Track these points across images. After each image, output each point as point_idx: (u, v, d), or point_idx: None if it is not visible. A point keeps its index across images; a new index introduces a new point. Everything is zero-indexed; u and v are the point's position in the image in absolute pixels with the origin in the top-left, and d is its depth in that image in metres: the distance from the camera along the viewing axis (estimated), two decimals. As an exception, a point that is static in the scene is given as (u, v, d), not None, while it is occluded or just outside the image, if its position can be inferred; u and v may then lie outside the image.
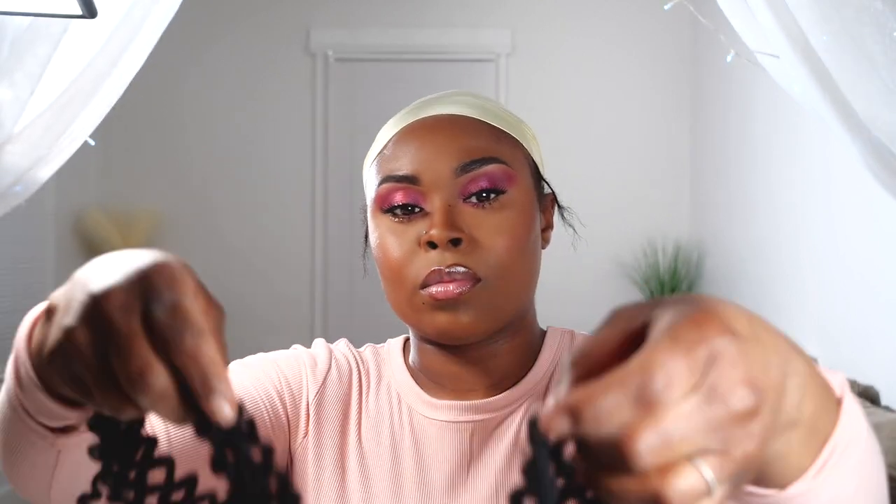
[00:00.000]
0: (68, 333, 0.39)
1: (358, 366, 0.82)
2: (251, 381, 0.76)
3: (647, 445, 0.31)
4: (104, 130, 1.89)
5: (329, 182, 3.99)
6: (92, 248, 3.88)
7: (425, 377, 0.80)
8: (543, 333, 0.83)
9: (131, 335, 0.37)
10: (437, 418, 0.76)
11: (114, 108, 1.62)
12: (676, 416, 0.31)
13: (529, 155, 0.78)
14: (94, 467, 0.43)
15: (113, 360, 0.37)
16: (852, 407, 0.43)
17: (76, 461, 0.54)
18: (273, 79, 4.02)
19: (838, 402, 0.43)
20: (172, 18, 1.57)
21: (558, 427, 0.32)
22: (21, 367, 0.49)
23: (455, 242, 0.70)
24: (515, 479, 0.73)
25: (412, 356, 0.81)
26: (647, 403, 0.31)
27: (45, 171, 1.61)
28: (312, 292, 3.92)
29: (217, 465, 0.36)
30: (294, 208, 4.01)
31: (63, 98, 1.51)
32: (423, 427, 0.77)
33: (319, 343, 0.84)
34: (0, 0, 1.21)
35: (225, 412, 0.36)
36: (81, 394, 0.40)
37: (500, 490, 0.73)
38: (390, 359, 0.83)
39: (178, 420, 0.37)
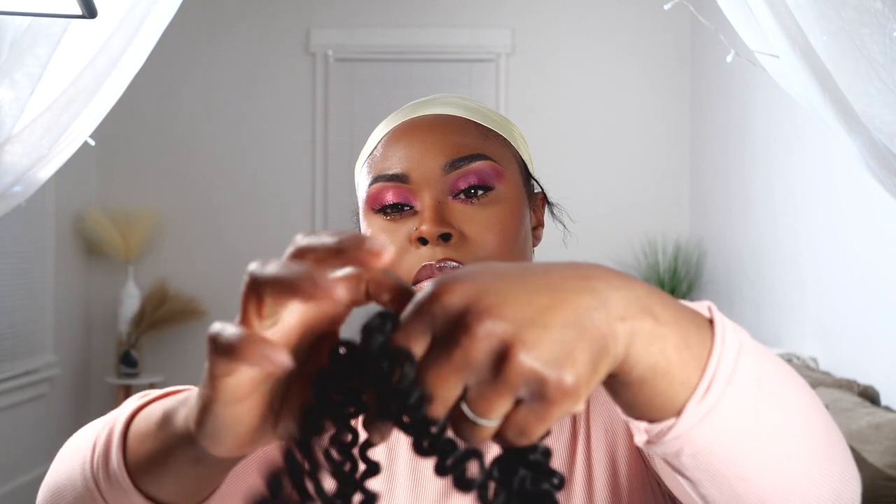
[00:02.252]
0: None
1: None
2: None
3: (418, 402, 0.35)
4: (104, 130, 1.89)
5: (329, 182, 4.00)
6: (92, 248, 3.88)
7: None
8: None
9: None
10: None
11: (114, 108, 1.63)
12: (425, 371, 0.35)
13: (518, 153, 0.79)
14: None
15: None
16: (728, 325, 0.43)
17: None
18: (273, 79, 4.02)
19: (710, 323, 0.43)
20: (173, 18, 1.57)
21: None
22: (113, 470, 0.50)
23: (445, 238, 0.70)
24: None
25: None
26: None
27: (45, 171, 1.61)
28: (312, 292, 3.92)
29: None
30: (294, 208, 4.01)
31: (63, 98, 1.51)
32: None
33: None
34: (0, 0, 1.21)
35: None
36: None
37: None
38: None
39: None
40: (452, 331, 0.35)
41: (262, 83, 4.02)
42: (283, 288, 0.36)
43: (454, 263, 0.70)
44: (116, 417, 0.53)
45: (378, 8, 3.99)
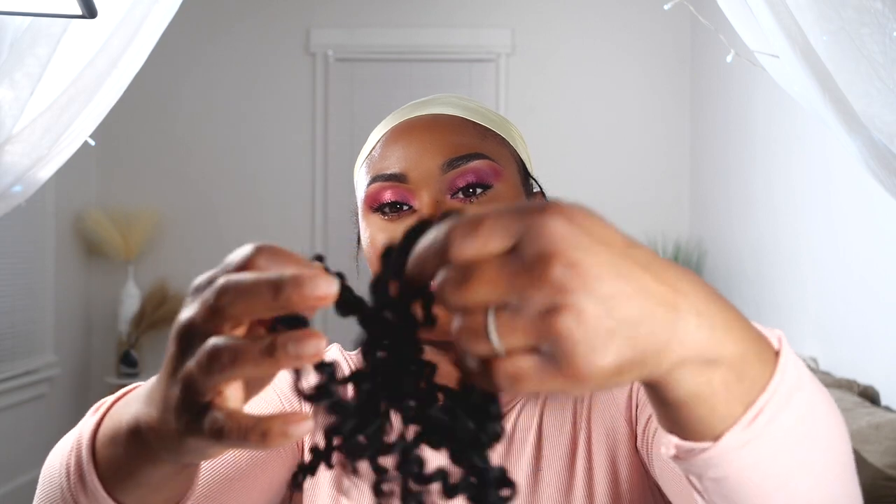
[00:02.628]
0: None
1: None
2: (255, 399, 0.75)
3: (450, 278, 0.34)
4: (104, 130, 1.89)
5: (329, 182, 4.00)
6: (92, 248, 3.88)
7: None
8: None
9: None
10: None
11: (114, 108, 1.63)
12: (485, 265, 0.34)
13: (516, 152, 0.79)
14: None
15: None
16: (791, 360, 0.42)
17: None
18: (273, 79, 4.02)
19: (776, 355, 0.42)
20: (173, 18, 1.57)
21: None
22: (87, 476, 0.50)
23: None
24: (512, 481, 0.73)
25: None
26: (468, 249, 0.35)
27: (45, 171, 1.61)
28: (312, 292, 3.91)
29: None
30: (294, 208, 4.01)
31: (63, 98, 1.51)
32: None
33: None
34: (0, 0, 1.21)
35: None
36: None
37: None
38: None
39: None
40: (533, 252, 0.34)
41: (262, 83, 4.02)
42: (248, 371, 0.36)
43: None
44: (80, 437, 0.52)
45: (378, 8, 3.99)
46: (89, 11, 1.22)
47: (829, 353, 2.48)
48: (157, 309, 3.82)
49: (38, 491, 0.56)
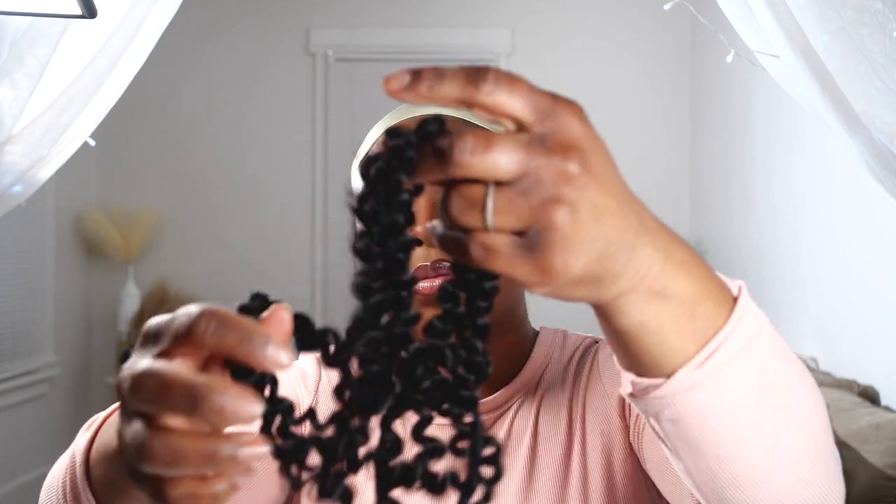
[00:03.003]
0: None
1: None
2: None
3: (464, 142, 0.34)
4: (104, 130, 1.89)
5: (329, 182, 4.00)
6: (92, 248, 3.88)
7: None
8: (536, 333, 0.83)
9: None
10: None
11: (114, 108, 1.62)
12: (503, 137, 0.34)
13: None
14: None
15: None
16: (751, 311, 0.42)
17: None
18: (273, 79, 4.02)
19: (734, 301, 0.42)
20: (173, 18, 1.57)
21: (397, 81, 0.37)
22: (82, 495, 0.50)
23: None
24: (507, 480, 0.73)
25: None
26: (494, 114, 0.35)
27: (45, 171, 1.61)
28: (312, 292, 3.92)
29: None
30: (294, 208, 4.01)
31: (63, 98, 1.51)
32: None
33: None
34: (0, 0, 1.21)
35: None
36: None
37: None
38: None
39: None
40: (557, 141, 0.34)
41: (262, 83, 4.02)
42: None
43: (449, 263, 0.70)
44: (74, 456, 0.52)
45: (378, 8, 3.99)
46: (89, 11, 1.22)
47: (829, 353, 2.48)
48: (157, 309, 3.82)
49: None
